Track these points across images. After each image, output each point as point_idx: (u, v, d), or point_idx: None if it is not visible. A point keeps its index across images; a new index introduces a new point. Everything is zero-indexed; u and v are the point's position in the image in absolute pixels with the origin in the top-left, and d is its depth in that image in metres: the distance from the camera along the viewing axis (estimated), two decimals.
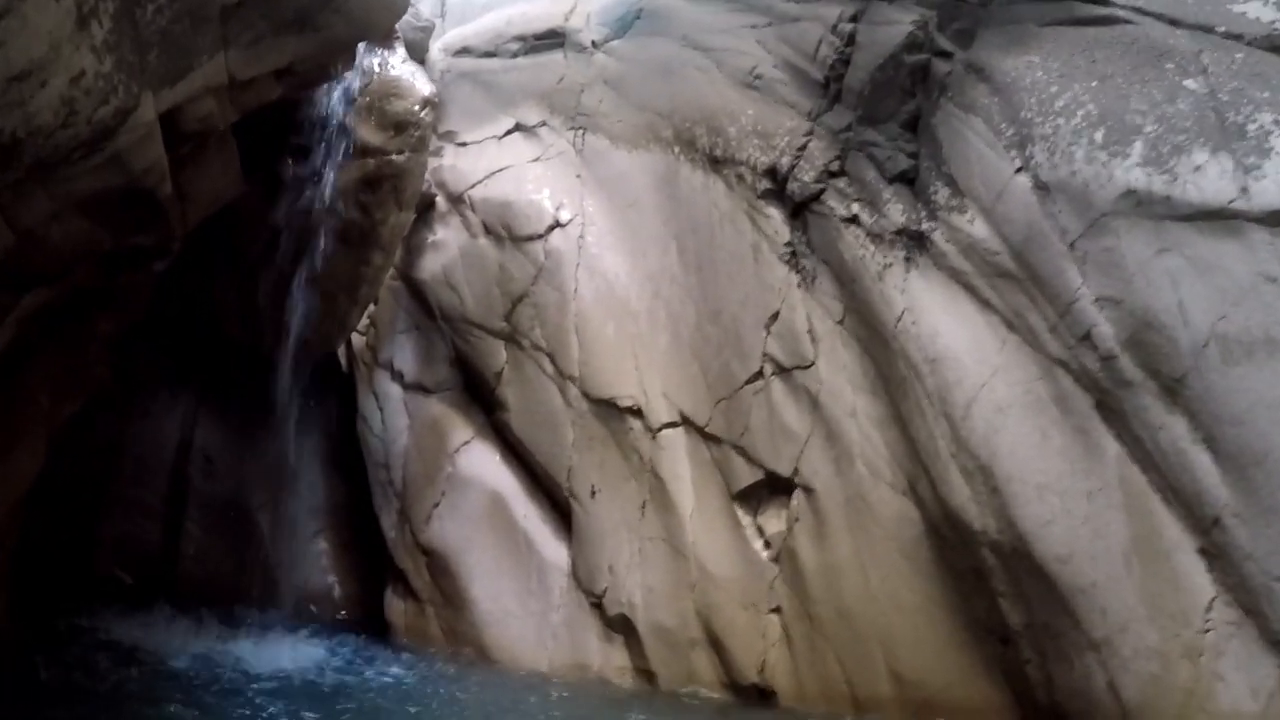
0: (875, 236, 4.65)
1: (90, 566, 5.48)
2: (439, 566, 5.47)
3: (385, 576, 5.74)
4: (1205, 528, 3.55)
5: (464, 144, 6.25)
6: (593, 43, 6.05)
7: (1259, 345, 3.53)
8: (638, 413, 5.16)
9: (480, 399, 5.73)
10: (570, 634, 5.12)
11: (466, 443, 5.63)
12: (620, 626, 5.01)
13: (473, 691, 4.74)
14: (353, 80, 5.59)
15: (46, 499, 5.07)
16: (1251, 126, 3.69)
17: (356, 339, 6.15)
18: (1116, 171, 3.91)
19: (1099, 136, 4.01)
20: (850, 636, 4.38)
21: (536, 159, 5.97)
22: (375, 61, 5.75)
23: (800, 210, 4.98)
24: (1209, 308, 3.61)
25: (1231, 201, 3.62)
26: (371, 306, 6.09)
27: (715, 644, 4.73)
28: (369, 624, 5.67)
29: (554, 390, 5.39)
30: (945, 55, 4.71)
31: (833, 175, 4.91)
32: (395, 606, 5.68)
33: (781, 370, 4.79)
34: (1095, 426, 3.87)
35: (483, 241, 5.85)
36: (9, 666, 4.18)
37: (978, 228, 4.34)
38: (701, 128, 5.39)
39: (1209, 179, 3.68)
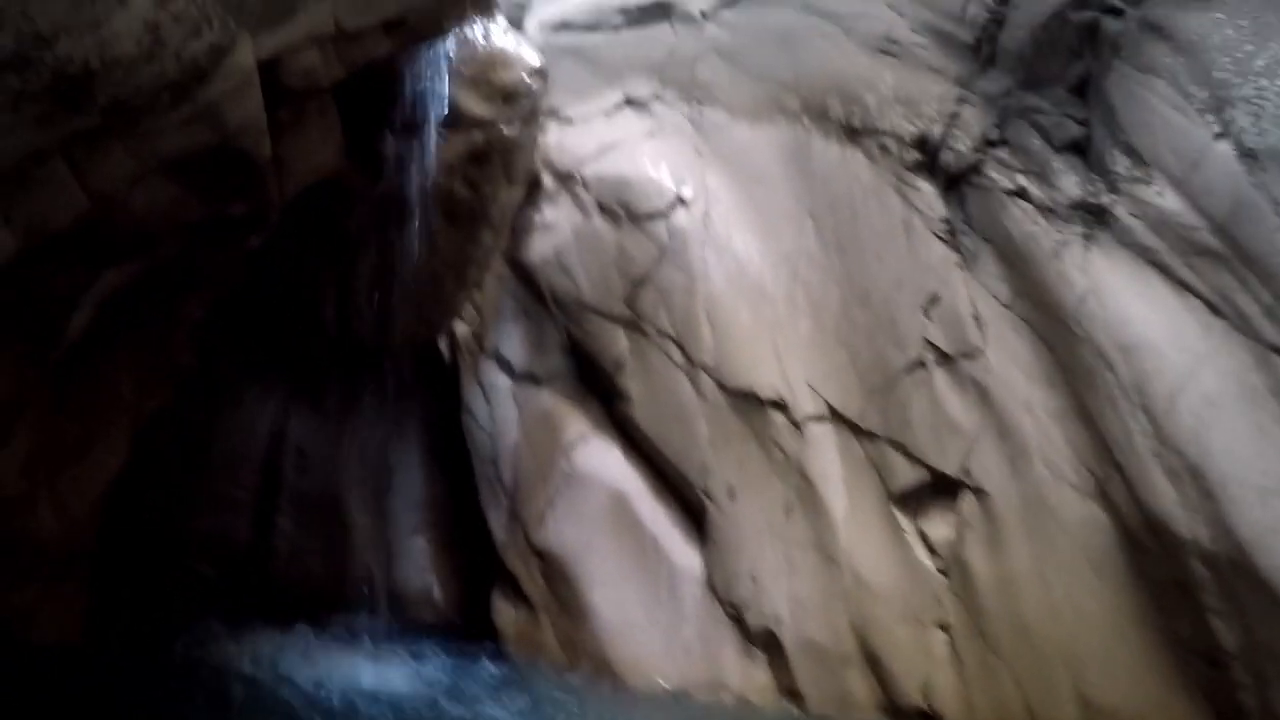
0: (1047, 211, 4.70)
1: (178, 563, 5.70)
2: (554, 571, 5.59)
3: (492, 579, 5.88)
4: None
5: (569, 120, 6.45)
6: (701, 13, 6.25)
7: None
8: (780, 405, 5.25)
9: (598, 390, 5.86)
10: (705, 648, 5.20)
11: (583, 437, 5.76)
12: (763, 641, 5.08)
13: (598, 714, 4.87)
14: (455, 50, 5.83)
15: (133, 494, 5.31)
16: None
17: (461, 327, 6.30)
18: None
19: None
20: (1030, 656, 4.41)
21: (650, 134, 6.15)
22: (478, 32, 5.97)
23: (956, 183, 5.05)
24: None
25: None
26: (476, 293, 6.26)
27: (872, 662, 4.79)
28: (473, 629, 5.80)
29: (684, 380, 5.51)
30: (1115, 12, 4.74)
31: (992, 145, 4.98)
32: (504, 613, 5.79)
33: (944, 358, 4.85)
34: None
35: (598, 221, 6.00)
36: (90, 684, 4.27)
37: (1169, 200, 4.35)
38: (834, 97, 5.50)
39: None
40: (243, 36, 3.54)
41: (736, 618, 5.16)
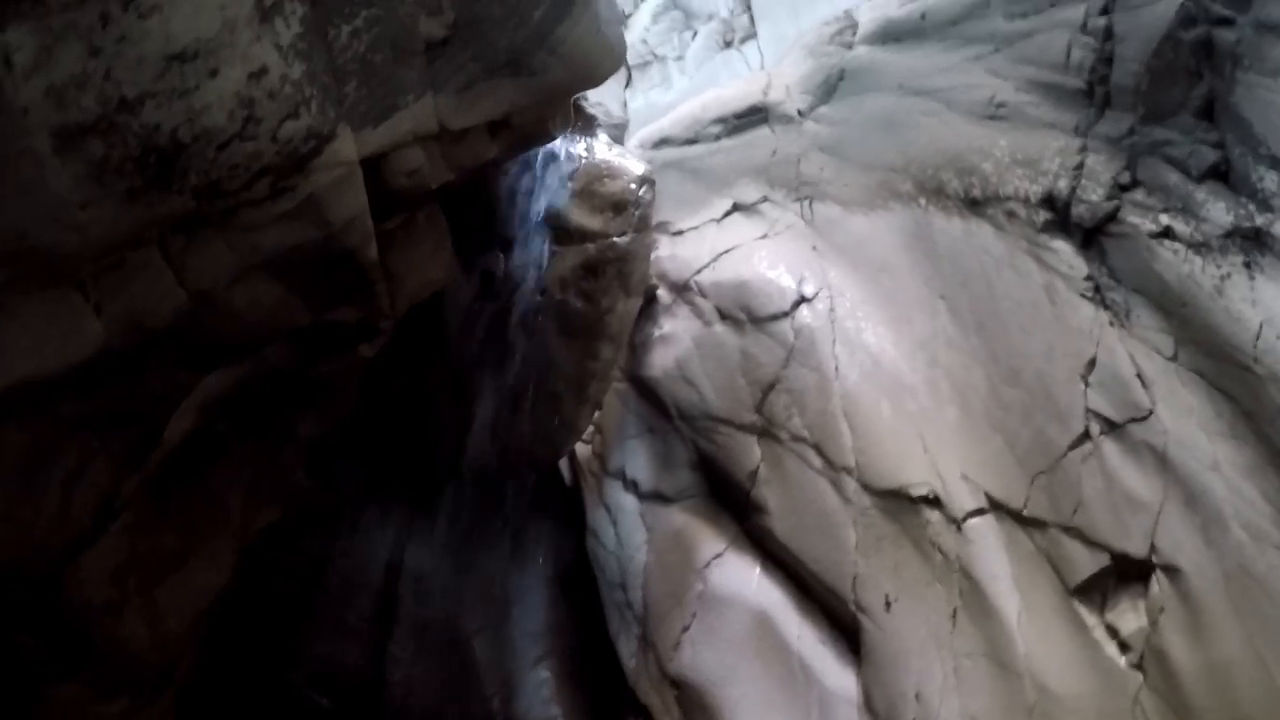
0: (1199, 246, 4.81)
1: (286, 690, 5.90)
2: (693, 701, 5.58)
3: (623, 712, 5.88)
4: None
5: (680, 232, 7.03)
6: (799, 112, 6.91)
7: None
8: (935, 502, 5.34)
9: (732, 505, 6.04)
10: None
11: (718, 555, 5.89)
12: None
13: None
14: (561, 165, 6.56)
15: (239, 614, 5.64)
16: None
17: (581, 448, 6.64)
18: None
19: None
20: None
21: (764, 235, 6.63)
22: (580, 148, 6.71)
23: (1093, 236, 5.23)
24: None
25: None
26: (596, 412, 6.65)
27: None
28: None
29: (825, 486, 5.67)
30: (1226, 22, 4.90)
31: (1125, 189, 5.17)
32: None
33: (1111, 427, 4.91)
34: None
35: (719, 328, 6.38)
36: None
37: None
38: (948, 172, 5.87)
39: None
40: (344, 129, 3.82)
41: None
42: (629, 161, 6.75)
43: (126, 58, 3.07)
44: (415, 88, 4.29)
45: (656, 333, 6.68)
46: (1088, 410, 4.99)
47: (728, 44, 8.26)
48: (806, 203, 6.58)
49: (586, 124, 6.75)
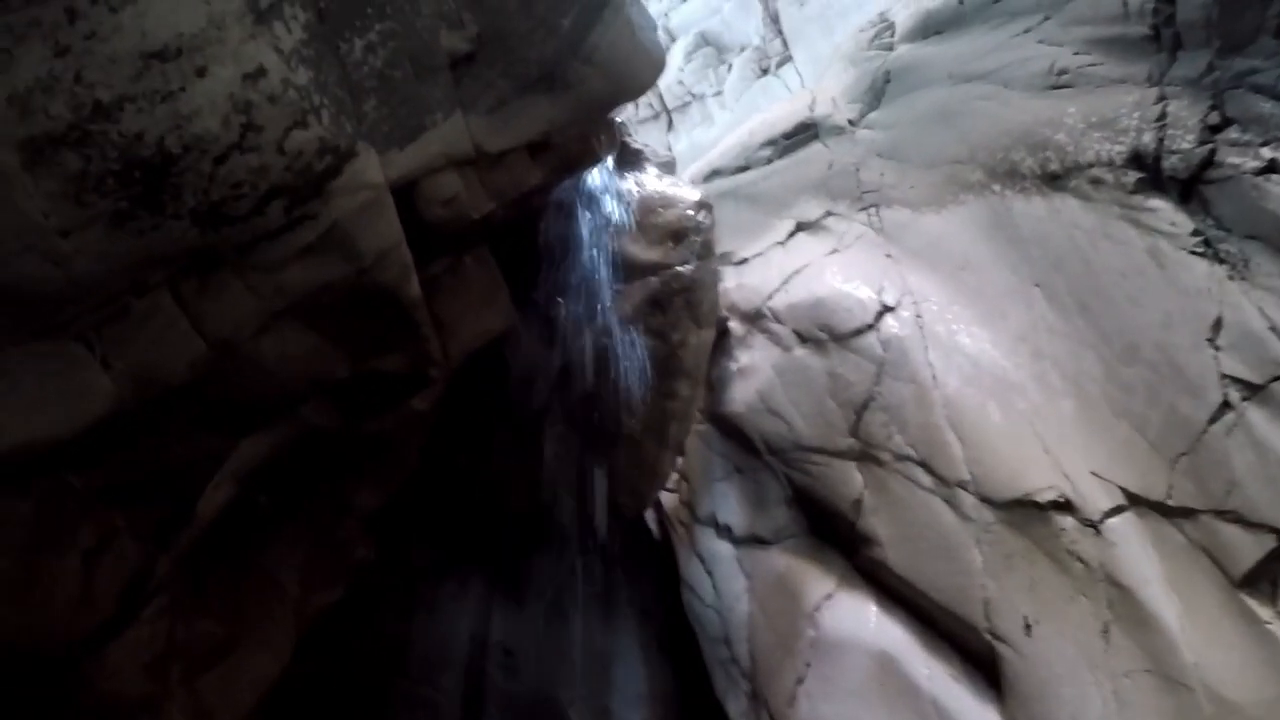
0: None
1: None
2: None
3: None
4: None
5: (744, 261, 6.79)
6: (849, 121, 6.71)
7: None
8: (1065, 506, 4.81)
9: (837, 540, 5.57)
10: None
11: (828, 597, 5.40)
12: None
13: None
14: (609, 202, 6.31)
15: (316, 705, 5.29)
16: None
17: (667, 498, 6.28)
18: None
19: None
20: None
21: (834, 250, 6.35)
22: (629, 183, 6.49)
23: (1191, 187, 4.86)
24: None
25: None
26: (680, 458, 6.27)
27: None
28: None
29: (940, 505, 5.17)
30: None
31: (1216, 129, 4.83)
32: None
33: (1253, 390, 4.43)
34: None
35: (799, 352, 6.02)
36: None
37: None
38: (1019, 151, 5.58)
39: None
40: (366, 149, 3.52)
41: None
42: (682, 190, 6.51)
43: (98, 56, 2.77)
44: (442, 106, 4.01)
45: (733, 366, 6.36)
46: (1222, 376, 4.52)
47: (764, 71, 8.11)
48: (873, 211, 6.32)
49: (634, 159, 6.50)
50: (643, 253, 6.13)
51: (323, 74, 3.32)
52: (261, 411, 3.74)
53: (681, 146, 8.49)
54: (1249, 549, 4.29)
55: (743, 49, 8.41)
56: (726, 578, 5.86)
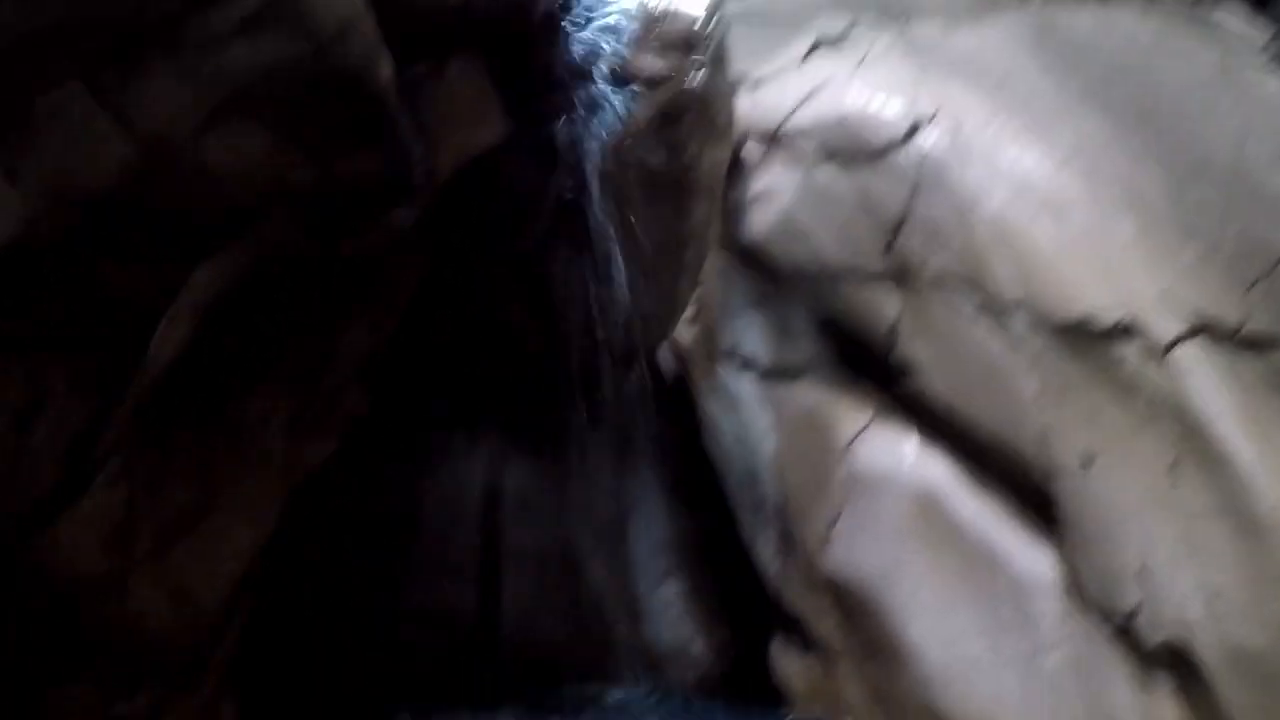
0: None
1: (393, 644, 5.38)
2: (852, 605, 4.82)
3: (768, 625, 5.27)
4: None
5: (758, 82, 6.17)
6: None
7: None
8: (1129, 330, 4.31)
9: (870, 369, 5.15)
10: (1081, 683, 4.19)
11: (863, 430, 5.06)
12: (1168, 661, 4.00)
13: None
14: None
15: (324, 570, 5.16)
16: None
17: (684, 334, 5.90)
18: None
19: None
20: None
21: (858, 64, 5.73)
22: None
23: None
24: None
25: None
26: (697, 288, 5.82)
27: None
28: (747, 686, 5.27)
29: (986, 330, 4.68)
30: None
31: None
32: (789, 665, 5.11)
33: None
34: None
35: (824, 171, 5.46)
36: None
37: None
38: None
39: None
40: None
41: (1122, 632, 4.12)
42: (682, 3, 5.82)
43: None
44: None
45: (751, 191, 5.80)
46: None
47: None
48: (901, 24, 5.71)
49: None
50: (650, 65, 5.48)
51: None
52: (214, 231, 3.17)
53: None
54: None
55: None
56: (751, 415, 5.54)
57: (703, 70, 5.51)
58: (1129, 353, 4.34)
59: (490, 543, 5.65)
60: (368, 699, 5.04)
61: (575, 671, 5.32)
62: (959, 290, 4.84)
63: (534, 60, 5.22)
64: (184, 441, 3.55)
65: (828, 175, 5.45)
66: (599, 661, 5.38)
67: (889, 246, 5.10)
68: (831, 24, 6.03)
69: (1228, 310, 4.19)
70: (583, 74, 5.44)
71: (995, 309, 4.70)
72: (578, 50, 5.44)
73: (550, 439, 5.64)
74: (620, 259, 5.40)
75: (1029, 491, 4.53)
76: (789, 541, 5.21)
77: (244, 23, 2.76)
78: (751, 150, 5.91)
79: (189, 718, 3.82)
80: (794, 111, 5.78)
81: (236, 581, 3.82)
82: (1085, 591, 4.27)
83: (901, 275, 5.05)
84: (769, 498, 5.36)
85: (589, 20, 5.55)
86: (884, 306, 5.08)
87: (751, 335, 5.67)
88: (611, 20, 5.61)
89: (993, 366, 4.67)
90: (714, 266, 5.86)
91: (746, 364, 5.65)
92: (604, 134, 5.36)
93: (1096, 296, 4.49)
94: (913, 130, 5.21)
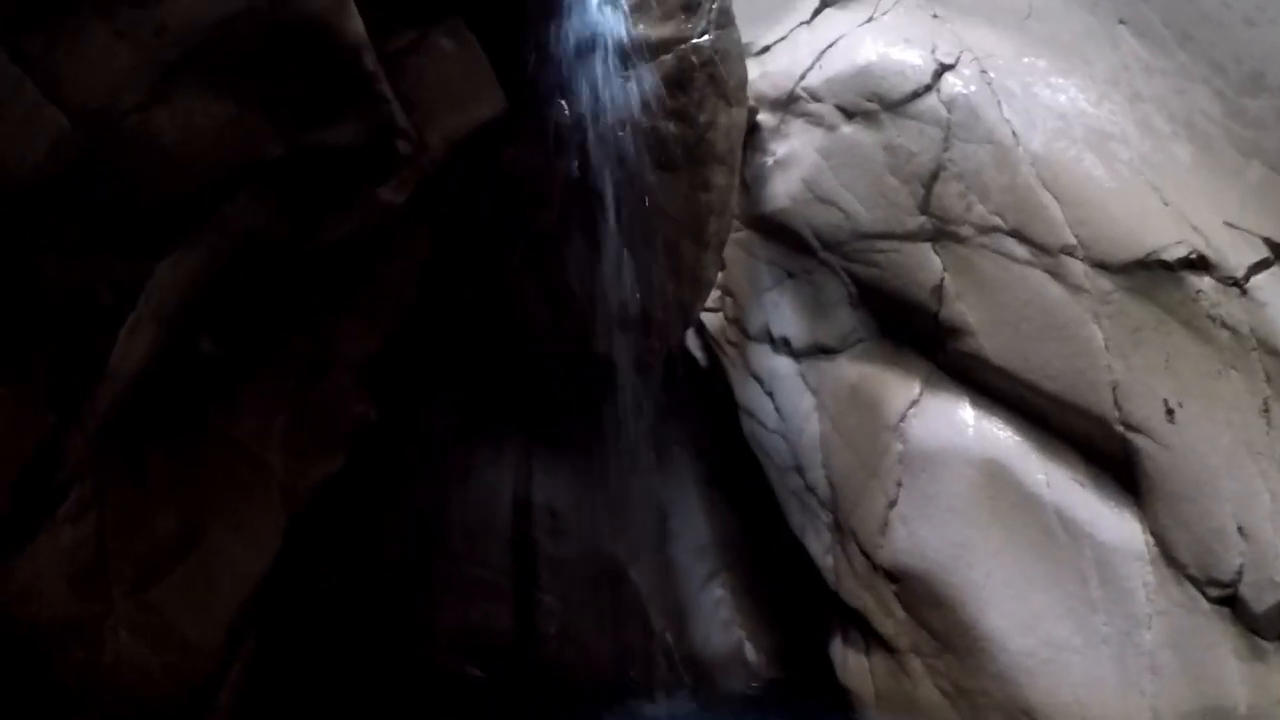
0: None
1: (425, 666, 5.09)
2: (918, 594, 4.40)
3: (827, 622, 4.91)
4: None
5: (765, 49, 5.91)
6: None
7: None
8: (1199, 264, 3.94)
9: (917, 337, 4.76)
10: (1182, 659, 3.75)
11: (914, 403, 4.65)
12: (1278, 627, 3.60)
13: None
14: None
15: (346, 595, 4.87)
16: None
17: (711, 319, 5.56)
18: None
19: None
20: None
21: (869, 18, 5.43)
22: None
23: None
24: None
25: None
26: (721, 267, 5.45)
27: None
28: (809, 690, 4.94)
29: (1042, 278, 4.29)
30: None
31: None
32: (853, 664, 4.72)
33: None
34: None
35: (847, 129, 5.11)
36: None
37: None
38: None
39: None
40: None
41: (1226, 600, 3.70)
42: None
43: None
44: None
45: (769, 160, 5.45)
46: None
47: None
48: None
49: None
50: (655, 30, 5.22)
51: None
52: (172, 218, 2.78)
53: None
54: None
55: None
56: (790, 397, 5.15)
57: (711, 32, 5.21)
58: (1203, 286, 3.94)
59: (523, 557, 5.33)
60: None
61: (619, 688, 4.96)
62: (1006, 239, 4.43)
63: (530, 31, 4.91)
64: (163, 462, 3.16)
65: (850, 134, 5.07)
66: (644, 676, 5.02)
67: (924, 201, 4.70)
68: None
69: None
70: (584, 46, 5.19)
71: (1049, 255, 4.29)
72: (577, 21, 5.17)
73: (577, 441, 5.31)
74: (637, 241, 5.10)
75: (1106, 453, 4.10)
76: (842, 531, 4.81)
77: None
78: (765, 119, 5.57)
79: None
80: (807, 72, 5.45)
81: (236, 615, 3.38)
82: (1179, 558, 3.82)
83: (941, 230, 4.65)
84: (817, 485, 4.96)
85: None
86: (925, 266, 4.68)
87: (783, 313, 5.30)
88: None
89: (1052, 319, 4.26)
90: (736, 245, 5.50)
91: (781, 344, 5.28)
92: (610, 107, 5.09)
93: (1160, 230, 4.09)
94: (938, 75, 4.85)
